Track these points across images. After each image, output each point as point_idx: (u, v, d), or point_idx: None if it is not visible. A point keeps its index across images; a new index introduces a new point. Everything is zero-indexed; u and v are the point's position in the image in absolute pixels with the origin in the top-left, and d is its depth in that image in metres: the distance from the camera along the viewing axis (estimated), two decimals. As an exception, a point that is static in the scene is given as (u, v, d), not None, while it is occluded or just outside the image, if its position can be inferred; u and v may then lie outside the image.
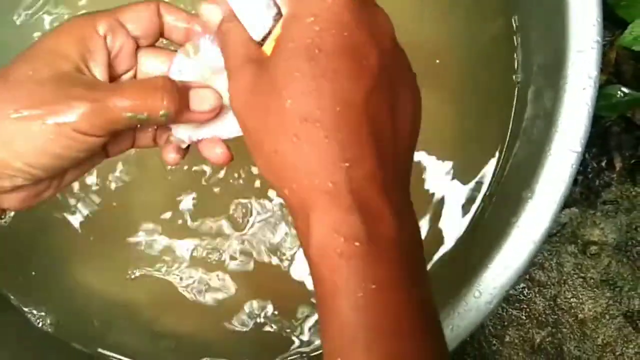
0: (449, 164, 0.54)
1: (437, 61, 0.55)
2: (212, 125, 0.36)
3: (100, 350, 0.55)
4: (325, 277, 0.28)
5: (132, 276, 0.55)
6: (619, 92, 0.57)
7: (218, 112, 0.35)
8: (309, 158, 0.28)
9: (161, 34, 0.37)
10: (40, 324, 0.55)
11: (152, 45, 0.37)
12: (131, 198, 0.55)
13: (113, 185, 0.55)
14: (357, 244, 0.27)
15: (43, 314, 0.55)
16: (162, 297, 0.55)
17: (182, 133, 0.36)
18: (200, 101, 0.34)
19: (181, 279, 0.55)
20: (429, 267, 0.53)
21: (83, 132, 0.31)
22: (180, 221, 0.55)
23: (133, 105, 0.32)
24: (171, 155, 0.37)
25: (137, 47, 0.36)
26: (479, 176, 0.54)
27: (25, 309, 0.56)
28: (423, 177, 0.54)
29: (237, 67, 0.31)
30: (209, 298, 0.55)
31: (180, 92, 0.33)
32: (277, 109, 0.29)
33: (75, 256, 0.56)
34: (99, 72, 0.34)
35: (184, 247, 0.55)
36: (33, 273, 0.56)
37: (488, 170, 0.54)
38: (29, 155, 0.32)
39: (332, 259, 0.27)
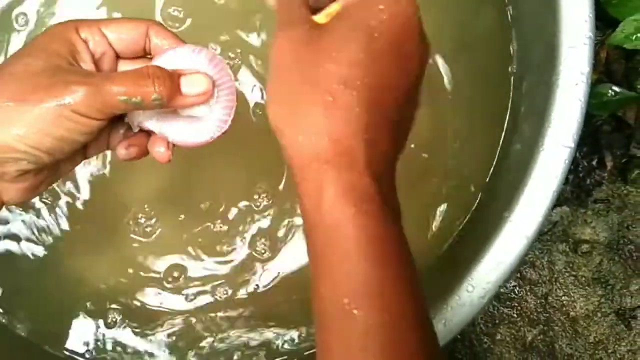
0: (444, 160, 0.55)
1: (432, 58, 0.55)
2: (163, 122, 0.38)
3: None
4: (340, 225, 0.30)
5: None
6: (609, 91, 0.57)
7: (210, 95, 0.36)
8: (337, 119, 0.30)
9: (147, 52, 0.39)
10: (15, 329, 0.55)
11: (132, 58, 0.39)
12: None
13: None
14: (369, 202, 0.30)
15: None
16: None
17: (134, 118, 0.38)
18: (191, 85, 0.36)
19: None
20: (425, 262, 0.53)
21: (82, 113, 0.33)
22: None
23: (127, 90, 0.34)
24: (160, 150, 0.38)
25: (118, 57, 0.39)
26: (473, 171, 0.54)
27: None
28: (418, 172, 0.54)
29: (292, 20, 0.33)
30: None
31: (172, 78, 0.35)
32: (323, 66, 0.30)
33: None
34: (88, 68, 0.37)
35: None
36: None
37: (482, 166, 0.54)
38: (32, 138, 0.33)
39: (345, 216, 0.30)
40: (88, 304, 0.55)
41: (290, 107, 0.31)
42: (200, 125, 0.38)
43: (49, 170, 0.37)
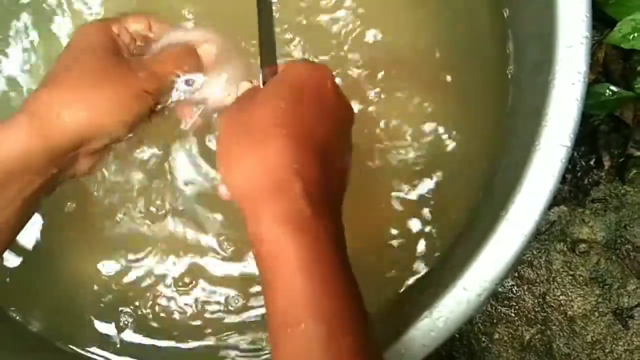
0: (442, 160, 0.55)
1: (435, 55, 0.56)
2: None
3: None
4: (277, 252, 0.33)
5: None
6: (607, 91, 0.58)
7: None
8: (268, 153, 0.35)
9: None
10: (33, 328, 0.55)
11: None
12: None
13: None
14: (304, 221, 0.33)
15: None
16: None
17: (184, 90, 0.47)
18: (206, 53, 0.47)
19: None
20: (424, 261, 0.54)
21: (149, 90, 0.42)
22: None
23: (172, 69, 0.45)
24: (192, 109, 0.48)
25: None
26: (472, 171, 0.54)
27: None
28: (416, 173, 0.55)
29: (243, 96, 0.42)
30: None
31: (191, 51, 0.47)
32: (254, 116, 0.37)
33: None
34: (126, 55, 0.45)
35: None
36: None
37: (480, 165, 0.54)
38: (119, 116, 0.41)
39: (284, 237, 0.33)
40: (101, 305, 0.55)
41: (230, 151, 0.37)
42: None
43: (107, 149, 0.44)
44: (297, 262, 0.33)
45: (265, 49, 0.44)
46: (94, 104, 0.41)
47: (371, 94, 0.55)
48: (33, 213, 0.44)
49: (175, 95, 0.47)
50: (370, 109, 0.55)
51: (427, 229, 0.54)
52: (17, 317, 0.55)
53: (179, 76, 0.46)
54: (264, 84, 0.43)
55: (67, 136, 0.40)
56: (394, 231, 0.54)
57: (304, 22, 0.55)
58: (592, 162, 0.63)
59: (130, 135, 0.46)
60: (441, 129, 0.55)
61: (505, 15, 0.55)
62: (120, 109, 0.41)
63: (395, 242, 0.53)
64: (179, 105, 0.48)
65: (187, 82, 0.47)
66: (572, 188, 0.63)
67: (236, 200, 0.37)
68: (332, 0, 0.56)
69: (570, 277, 0.63)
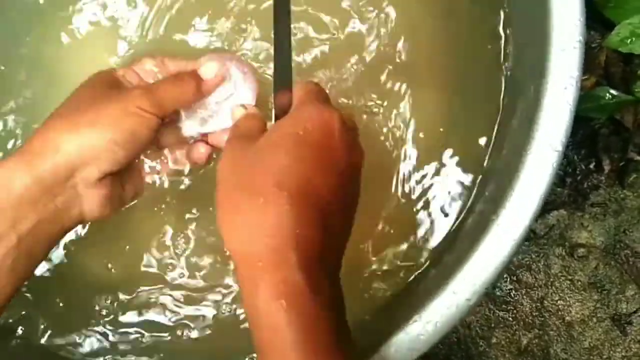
0: (434, 163, 0.55)
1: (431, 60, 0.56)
2: (215, 119, 0.49)
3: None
4: (272, 327, 0.33)
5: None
6: (607, 94, 0.57)
7: (222, 76, 0.48)
8: (268, 218, 0.34)
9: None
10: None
11: None
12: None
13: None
14: (299, 297, 0.33)
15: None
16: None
17: (191, 129, 0.49)
18: (205, 71, 0.47)
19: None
20: (414, 264, 0.53)
21: (144, 108, 0.41)
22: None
23: (171, 86, 0.45)
24: (201, 150, 0.49)
25: None
26: (463, 175, 0.54)
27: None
28: (410, 176, 0.55)
29: (241, 135, 0.41)
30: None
31: (193, 72, 0.47)
32: (255, 172, 0.35)
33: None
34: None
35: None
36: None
37: (473, 169, 0.54)
38: (112, 131, 0.40)
39: (279, 315, 0.32)
40: (104, 312, 0.55)
41: (230, 211, 0.35)
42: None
43: (118, 184, 0.44)
44: (292, 343, 0.32)
45: (279, 67, 0.41)
46: (77, 122, 0.40)
47: (368, 93, 0.55)
48: (37, 263, 0.40)
49: (187, 128, 0.48)
50: (365, 107, 0.55)
51: (417, 231, 0.54)
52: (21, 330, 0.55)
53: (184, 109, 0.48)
54: (276, 115, 0.41)
55: (50, 160, 0.39)
56: (383, 234, 0.54)
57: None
58: (592, 166, 0.63)
59: (137, 160, 0.48)
60: (434, 130, 0.55)
61: (502, 19, 0.55)
62: (108, 126, 0.40)
63: (384, 246, 0.53)
64: (192, 146, 0.49)
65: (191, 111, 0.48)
66: (572, 192, 0.63)
67: (233, 260, 0.37)
68: None
69: (568, 282, 0.63)
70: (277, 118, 0.41)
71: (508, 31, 0.54)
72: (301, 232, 0.33)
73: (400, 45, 0.56)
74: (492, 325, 0.63)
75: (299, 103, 0.40)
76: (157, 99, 0.42)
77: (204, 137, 0.50)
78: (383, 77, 0.55)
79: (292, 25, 0.42)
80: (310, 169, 0.35)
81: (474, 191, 0.53)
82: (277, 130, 0.37)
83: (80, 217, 0.42)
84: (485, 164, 0.53)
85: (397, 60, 0.55)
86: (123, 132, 0.40)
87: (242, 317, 0.54)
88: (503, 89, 0.54)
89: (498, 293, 0.63)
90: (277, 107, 0.42)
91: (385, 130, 0.55)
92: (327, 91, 0.43)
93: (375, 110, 0.55)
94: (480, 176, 0.53)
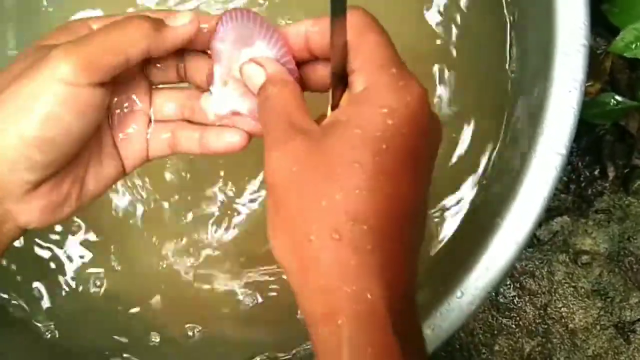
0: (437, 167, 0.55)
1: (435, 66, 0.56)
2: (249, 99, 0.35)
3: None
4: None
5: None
6: (612, 100, 0.57)
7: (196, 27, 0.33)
8: (347, 261, 0.25)
9: None
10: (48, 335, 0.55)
11: None
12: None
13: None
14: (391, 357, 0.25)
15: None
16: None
17: (221, 105, 0.35)
18: (174, 19, 0.32)
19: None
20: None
21: (66, 78, 0.28)
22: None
23: (110, 39, 0.30)
24: (236, 137, 0.35)
25: None
26: (467, 178, 0.54)
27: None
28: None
29: (281, 138, 0.28)
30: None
31: (153, 18, 0.32)
32: (324, 195, 0.26)
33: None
34: None
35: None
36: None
37: (476, 172, 0.54)
38: (22, 129, 0.28)
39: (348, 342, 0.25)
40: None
41: (294, 245, 0.27)
42: None
43: (69, 181, 0.33)
44: None
45: None
46: None
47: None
48: None
49: (216, 104, 0.35)
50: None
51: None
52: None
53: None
54: (333, 70, 0.29)
55: None
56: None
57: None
58: (596, 172, 0.62)
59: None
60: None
61: (509, 22, 0.55)
62: (15, 123, 0.29)
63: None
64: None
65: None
66: (576, 198, 0.62)
67: (303, 312, 0.27)
68: None
69: (572, 289, 0.62)
70: (335, 75, 0.29)
71: (512, 34, 0.54)
72: (389, 277, 0.26)
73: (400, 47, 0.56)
74: (495, 332, 0.63)
75: (366, 67, 0.28)
76: (86, 57, 0.29)
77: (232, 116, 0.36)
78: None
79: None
80: (397, 190, 0.26)
81: (478, 194, 0.53)
82: (346, 129, 0.27)
83: (19, 230, 0.32)
84: (488, 166, 0.53)
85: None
86: (40, 124, 0.28)
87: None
88: (507, 92, 0.54)
89: (501, 300, 0.63)
90: (336, 54, 0.29)
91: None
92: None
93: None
94: (484, 179, 0.53)
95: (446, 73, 0.55)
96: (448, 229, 0.53)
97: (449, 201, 0.54)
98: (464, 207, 0.53)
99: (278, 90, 0.30)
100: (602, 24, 0.58)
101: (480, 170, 0.54)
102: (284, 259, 0.27)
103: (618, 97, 0.56)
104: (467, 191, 0.54)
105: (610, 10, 0.55)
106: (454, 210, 0.54)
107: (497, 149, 0.53)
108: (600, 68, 0.60)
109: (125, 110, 0.36)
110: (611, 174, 0.61)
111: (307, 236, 0.26)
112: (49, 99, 0.28)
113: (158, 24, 0.31)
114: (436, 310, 0.46)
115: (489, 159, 0.53)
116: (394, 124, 0.26)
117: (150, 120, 0.36)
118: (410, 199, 0.27)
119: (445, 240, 0.53)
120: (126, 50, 0.30)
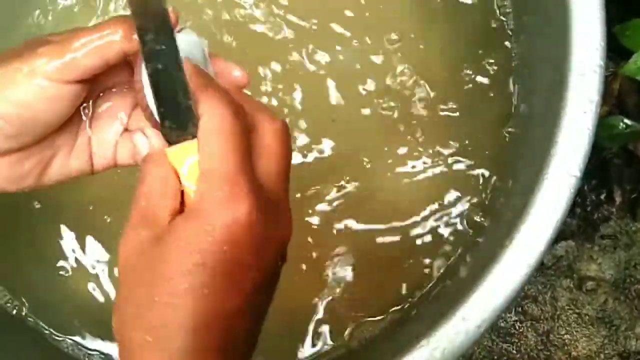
0: (449, 186, 0.54)
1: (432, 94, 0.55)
2: None
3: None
4: None
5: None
6: (621, 124, 0.56)
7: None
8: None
9: None
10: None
11: None
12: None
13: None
14: None
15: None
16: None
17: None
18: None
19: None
20: (422, 287, 0.52)
21: (46, 72, 0.31)
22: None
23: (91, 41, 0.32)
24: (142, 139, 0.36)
25: None
26: (475, 198, 0.53)
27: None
28: (421, 199, 0.53)
29: (133, 222, 0.31)
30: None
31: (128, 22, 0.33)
32: (144, 296, 0.29)
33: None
34: None
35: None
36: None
37: (485, 192, 0.53)
38: (1, 102, 0.31)
39: None
40: None
41: (124, 328, 0.29)
42: None
43: (33, 161, 0.35)
44: None
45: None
46: None
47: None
48: None
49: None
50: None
51: (428, 255, 0.52)
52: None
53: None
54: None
55: None
56: (391, 255, 0.52)
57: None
58: (602, 197, 0.61)
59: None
60: (448, 150, 0.54)
61: (520, 40, 0.54)
62: None
63: (393, 267, 0.52)
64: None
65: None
66: (581, 223, 0.61)
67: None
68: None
69: (575, 316, 0.61)
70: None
71: (526, 53, 0.54)
72: None
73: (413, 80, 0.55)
74: (495, 357, 0.61)
75: (205, 173, 0.29)
76: (67, 56, 0.31)
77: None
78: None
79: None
80: (207, 301, 0.28)
81: (488, 214, 0.52)
82: (177, 240, 0.29)
83: None
84: (502, 187, 0.52)
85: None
86: (11, 106, 0.31)
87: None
88: (520, 110, 0.53)
89: (502, 324, 0.61)
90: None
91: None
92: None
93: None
94: (494, 200, 0.52)
95: (456, 92, 0.55)
96: (456, 250, 0.52)
97: (457, 221, 0.53)
98: (474, 228, 0.52)
99: (149, 169, 0.32)
100: (611, 46, 0.57)
101: (490, 190, 0.53)
102: (117, 333, 0.30)
103: (627, 121, 0.56)
104: (477, 213, 0.53)
105: (622, 33, 0.54)
106: (463, 231, 0.53)
107: (509, 169, 0.52)
108: (608, 90, 0.60)
109: (101, 111, 0.37)
110: (618, 199, 0.61)
111: (132, 326, 0.29)
112: (26, 88, 0.31)
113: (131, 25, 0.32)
114: (442, 332, 0.44)
115: (502, 179, 0.53)
116: (213, 240, 0.28)
117: (125, 128, 0.37)
118: (226, 313, 0.29)
119: (454, 260, 0.52)
120: (102, 52, 0.32)
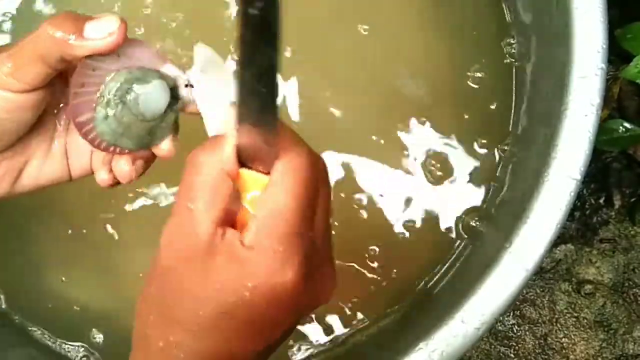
0: (451, 189, 0.53)
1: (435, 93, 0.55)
2: None
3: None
4: None
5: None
6: (620, 127, 0.56)
7: (121, 37, 0.31)
8: None
9: None
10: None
11: None
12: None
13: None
14: None
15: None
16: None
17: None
18: (92, 29, 0.31)
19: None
20: (422, 290, 0.52)
21: (3, 86, 0.30)
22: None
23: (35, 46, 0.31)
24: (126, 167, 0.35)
25: None
26: (474, 201, 0.53)
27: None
28: (420, 203, 0.53)
29: (185, 217, 0.28)
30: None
31: (75, 18, 0.31)
32: (175, 307, 0.28)
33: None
34: None
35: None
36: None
37: (483, 195, 0.53)
38: None
39: None
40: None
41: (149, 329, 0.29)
42: None
43: (3, 167, 0.34)
44: None
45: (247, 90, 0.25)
46: None
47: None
48: None
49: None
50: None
51: (428, 256, 0.52)
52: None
53: None
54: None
55: None
56: (388, 257, 0.52)
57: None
58: (601, 201, 0.61)
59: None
60: (446, 150, 0.54)
61: (523, 42, 0.54)
62: None
63: (390, 269, 0.52)
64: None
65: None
66: (580, 226, 0.61)
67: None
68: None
69: (574, 319, 0.61)
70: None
71: (528, 57, 0.54)
72: None
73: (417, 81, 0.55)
74: (493, 361, 0.61)
75: (258, 230, 0.27)
76: (14, 65, 0.30)
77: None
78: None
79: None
80: (230, 344, 0.28)
81: (487, 217, 0.52)
82: (213, 283, 0.27)
83: None
84: (501, 190, 0.52)
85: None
86: None
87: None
88: (521, 113, 0.53)
89: (500, 328, 0.61)
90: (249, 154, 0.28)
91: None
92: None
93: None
94: (493, 203, 0.52)
95: (459, 93, 0.54)
96: (457, 253, 0.52)
97: (457, 224, 0.52)
98: (474, 231, 0.52)
99: (217, 174, 0.28)
100: (612, 50, 0.57)
101: (489, 194, 0.53)
102: (140, 317, 0.29)
103: (627, 125, 0.56)
104: (477, 215, 0.53)
105: (622, 36, 0.54)
106: (463, 234, 0.52)
107: (510, 172, 0.52)
108: (608, 94, 0.59)
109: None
110: (617, 203, 0.60)
111: (152, 324, 0.29)
112: None
113: (76, 29, 0.31)
114: (441, 335, 0.44)
115: (502, 182, 0.52)
116: (253, 295, 0.27)
117: None
118: (244, 356, 0.29)
119: (453, 262, 0.52)
120: (41, 58, 0.31)
